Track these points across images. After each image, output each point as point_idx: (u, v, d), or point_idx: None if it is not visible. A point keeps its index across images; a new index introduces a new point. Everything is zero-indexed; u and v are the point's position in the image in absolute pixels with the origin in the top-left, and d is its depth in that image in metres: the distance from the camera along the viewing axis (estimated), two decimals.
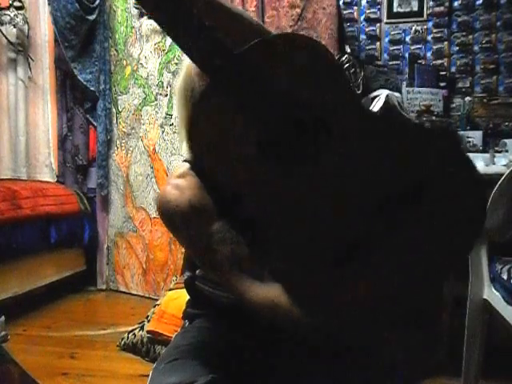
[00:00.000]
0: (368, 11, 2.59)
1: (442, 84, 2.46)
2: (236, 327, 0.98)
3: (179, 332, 1.13)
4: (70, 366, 1.96)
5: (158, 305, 2.10)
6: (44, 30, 3.19)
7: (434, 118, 2.20)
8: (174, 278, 2.40)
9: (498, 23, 2.43)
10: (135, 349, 2.02)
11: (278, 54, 0.63)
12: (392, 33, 2.56)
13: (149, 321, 2.04)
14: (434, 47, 2.51)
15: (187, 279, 1.16)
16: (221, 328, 1.01)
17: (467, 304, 1.59)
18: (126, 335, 2.08)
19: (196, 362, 0.89)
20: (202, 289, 1.04)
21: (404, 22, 2.55)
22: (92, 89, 3.07)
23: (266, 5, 2.00)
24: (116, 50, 3.10)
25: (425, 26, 2.52)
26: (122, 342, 2.08)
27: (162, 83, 2.89)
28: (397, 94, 2.08)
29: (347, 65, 1.93)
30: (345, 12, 2.57)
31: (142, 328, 2.04)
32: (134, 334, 2.05)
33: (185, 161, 0.96)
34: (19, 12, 3.07)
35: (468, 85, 2.47)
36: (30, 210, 2.61)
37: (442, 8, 2.49)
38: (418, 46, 2.53)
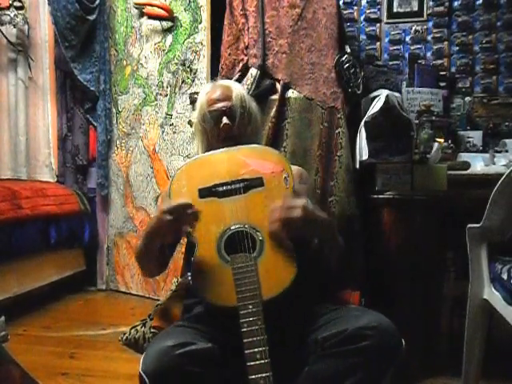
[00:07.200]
0: (368, 11, 2.58)
1: (442, 84, 2.45)
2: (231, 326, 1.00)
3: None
4: (69, 365, 1.96)
5: (160, 304, 2.10)
6: (44, 30, 3.19)
7: (433, 117, 2.20)
8: (175, 279, 2.40)
9: (498, 23, 2.42)
10: (137, 344, 2.02)
11: None
12: (392, 33, 2.56)
13: (151, 319, 2.04)
14: (434, 47, 2.51)
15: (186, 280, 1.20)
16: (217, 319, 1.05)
17: (467, 304, 1.58)
18: (128, 330, 2.08)
19: (196, 331, 0.98)
20: None
21: (404, 22, 2.55)
22: (92, 89, 3.07)
23: (266, 5, 1.99)
24: (116, 50, 3.10)
25: (425, 26, 2.52)
26: (124, 337, 2.08)
27: (162, 83, 2.89)
28: (397, 94, 2.07)
29: (347, 65, 1.92)
30: (345, 12, 2.57)
31: (144, 325, 2.05)
32: (137, 329, 2.05)
33: None
34: (19, 12, 3.07)
35: (468, 85, 2.47)
36: (29, 210, 2.61)
37: (441, 8, 2.49)
38: (418, 46, 2.53)
